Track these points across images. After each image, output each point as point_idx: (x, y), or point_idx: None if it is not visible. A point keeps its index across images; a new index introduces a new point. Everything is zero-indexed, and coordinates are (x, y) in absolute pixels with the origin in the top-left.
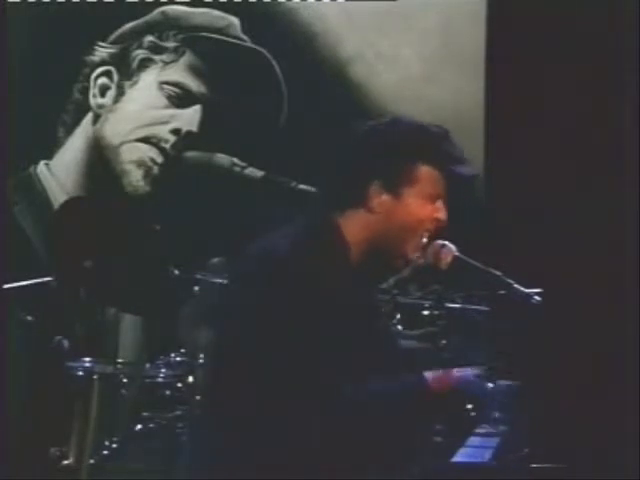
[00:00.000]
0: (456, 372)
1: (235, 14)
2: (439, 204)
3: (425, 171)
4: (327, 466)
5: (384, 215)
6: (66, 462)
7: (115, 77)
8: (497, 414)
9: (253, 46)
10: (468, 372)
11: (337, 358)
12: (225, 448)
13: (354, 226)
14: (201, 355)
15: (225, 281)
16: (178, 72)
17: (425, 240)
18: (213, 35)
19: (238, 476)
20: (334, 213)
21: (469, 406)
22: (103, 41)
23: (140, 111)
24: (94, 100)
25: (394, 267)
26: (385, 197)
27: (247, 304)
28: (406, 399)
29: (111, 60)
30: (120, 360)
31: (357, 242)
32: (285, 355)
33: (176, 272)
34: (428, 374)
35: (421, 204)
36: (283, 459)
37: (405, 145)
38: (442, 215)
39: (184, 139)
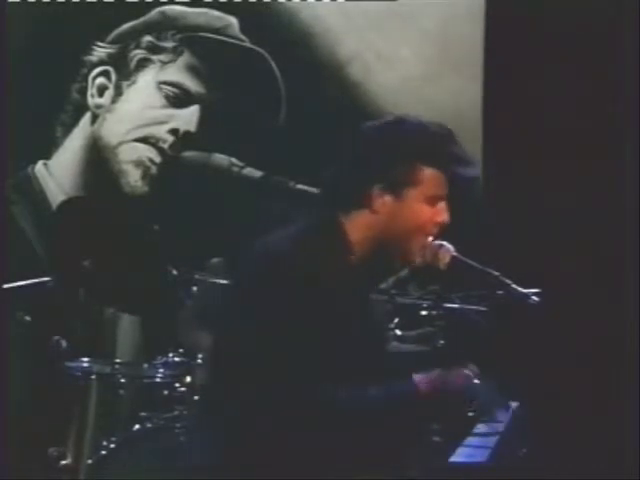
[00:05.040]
0: (447, 373)
1: (234, 14)
2: (441, 206)
3: (428, 173)
4: (321, 465)
5: (387, 216)
6: (65, 462)
7: (113, 77)
8: (492, 412)
9: (252, 46)
10: (460, 373)
11: (335, 358)
12: (224, 447)
13: (357, 226)
14: (199, 355)
15: (224, 281)
16: (176, 72)
17: (429, 240)
18: (212, 35)
19: (238, 476)
20: (337, 213)
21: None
22: (101, 41)
23: (138, 111)
24: (92, 100)
25: (397, 267)
26: (387, 198)
27: (248, 303)
28: (393, 403)
29: (109, 60)
30: (118, 360)
31: (360, 242)
32: (284, 355)
33: (175, 272)
34: (418, 377)
35: (423, 205)
36: (280, 458)
37: (407, 146)
38: (444, 217)
39: (182, 139)
